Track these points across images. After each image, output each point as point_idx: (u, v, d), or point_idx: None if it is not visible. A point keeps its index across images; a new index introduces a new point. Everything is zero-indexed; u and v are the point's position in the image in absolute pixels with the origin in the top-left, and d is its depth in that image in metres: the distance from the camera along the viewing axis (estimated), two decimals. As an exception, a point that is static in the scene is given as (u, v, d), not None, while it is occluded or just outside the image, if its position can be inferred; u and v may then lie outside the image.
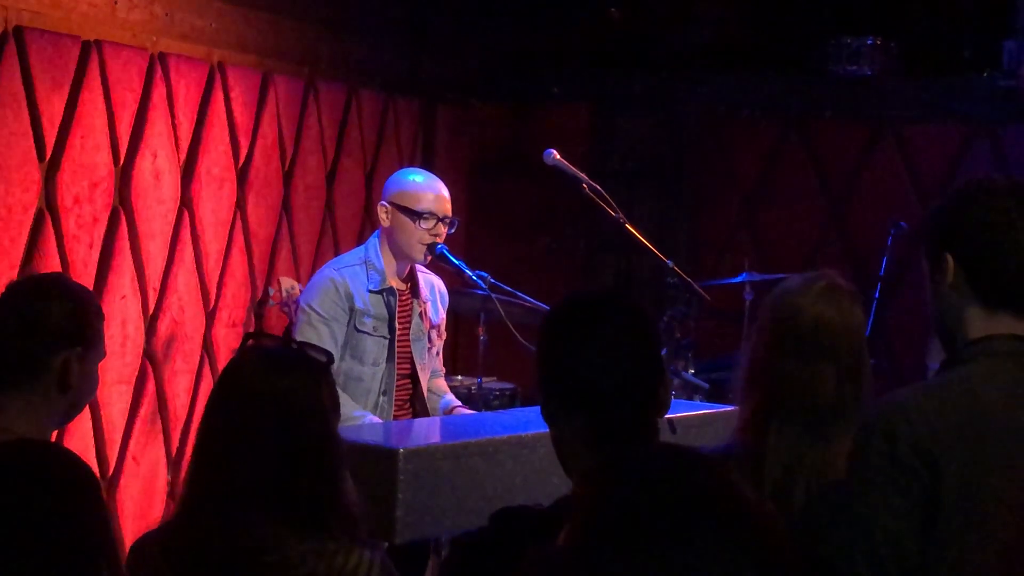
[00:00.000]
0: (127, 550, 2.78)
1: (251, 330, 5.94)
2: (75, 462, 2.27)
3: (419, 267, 5.07)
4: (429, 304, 5.09)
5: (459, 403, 5.16)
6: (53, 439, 4.72)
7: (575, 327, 2.49)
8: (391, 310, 4.94)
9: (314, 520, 2.63)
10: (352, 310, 4.87)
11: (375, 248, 4.97)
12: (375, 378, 4.90)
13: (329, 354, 2.86)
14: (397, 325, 4.95)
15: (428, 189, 4.96)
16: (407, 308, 5.01)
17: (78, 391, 3.09)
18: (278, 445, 2.63)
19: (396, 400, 4.98)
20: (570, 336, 2.48)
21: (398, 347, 4.96)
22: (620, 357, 2.44)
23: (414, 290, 5.04)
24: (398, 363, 4.97)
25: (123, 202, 5.24)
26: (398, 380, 4.98)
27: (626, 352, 2.45)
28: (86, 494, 2.18)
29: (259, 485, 2.61)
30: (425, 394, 5.08)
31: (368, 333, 4.90)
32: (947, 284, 2.60)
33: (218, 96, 5.77)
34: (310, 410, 2.68)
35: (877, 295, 6.85)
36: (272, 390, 2.66)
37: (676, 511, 1.48)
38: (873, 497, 2.49)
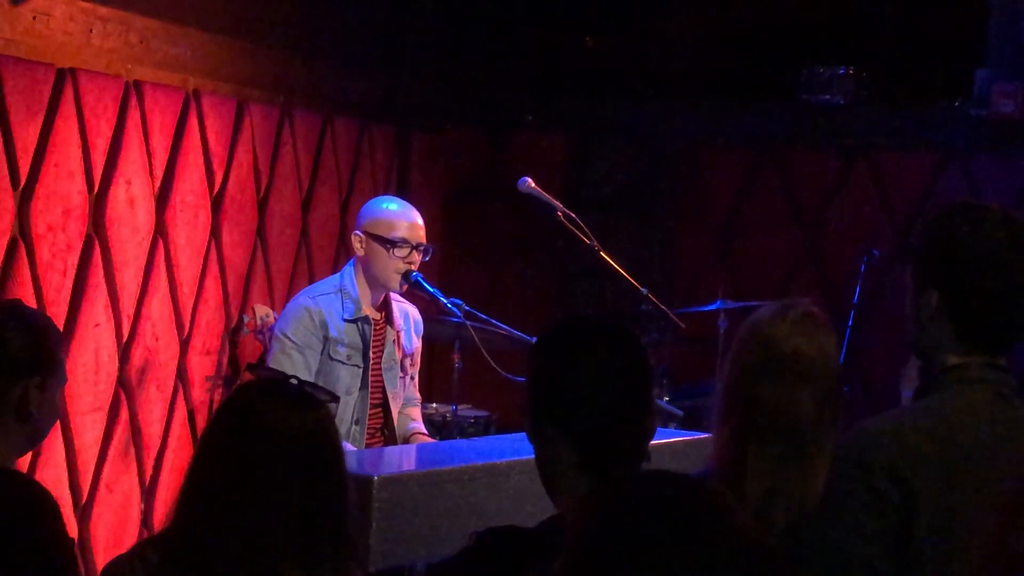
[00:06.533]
0: (99, 577, 2.76)
1: (225, 358, 5.92)
2: (30, 485, 2.25)
3: (394, 296, 5.06)
4: (403, 333, 5.09)
5: (422, 430, 5.15)
6: (25, 468, 4.70)
7: (570, 350, 2.52)
8: (365, 339, 4.94)
9: (330, 560, 2.59)
10: (326, 338, 4.87)
11: (350, 277, 4.97)
12: (348, 407, 4.89)
13: (336, 396, 2.83)
14: (371, 354, 4.95)
15: (402, 217, 4.96)
16: (381, 337, 5.01)
17: (38, 420, 3.04)
18: (304, 485, 2.56)
19: (368, 429, 4.97)
20: (564, 359, 2.51)
21: (371, 376, 4.95)
22: (613, 382, 2.48)
23: (388, 319, 5.04)
24: (371, 392, 4.97)
25: (97, 230, 5.23)
26: (370, 409, 4.98)
27: (619, 378, 2.49)
28: (44, 517, 2.16)
29: (282, 526, 2.54)
30: (396, 422, 5.08)
31: (342, 362, 4.89)
32: (929, 315, 2.61)
33: (193, 124, 5.77)
34: (332, 449, 2.63)
35: (850, 323, 6.88)
36: (299, 428, 2.59)
37: (671, 535, 1.50)
38: (848, 523, 2.50)
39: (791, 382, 2.84)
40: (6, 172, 4.78)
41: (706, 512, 1.53)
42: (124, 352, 5.41)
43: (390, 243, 4.89)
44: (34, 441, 3.17)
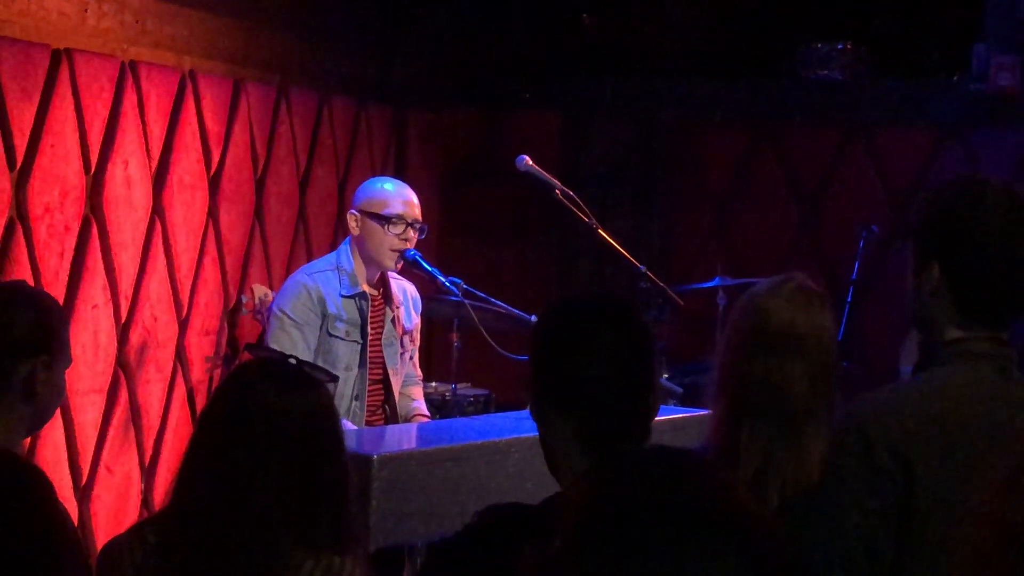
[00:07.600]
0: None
1: (224, 338, 5.92)
2: (22, 466, 2.24)
3: (391, 273, 5.06)
4: (402, 309, 5.09)
5: (422, 411, 5.15)
6: (25, 449, 4.70)
7: (573, 328, 2.52)
8: (363, 315, 4.94)
9: (331, 539, 2.60)
10: (324, 315, 4.87)
11: (347, 253, 4.97)
12: (348, 383, 4.90)
13: (335, 376, 2.83)
14: (369, 330, 4.95)
15: (396, 195, 4.96)
16: (379, 313, 5.01)
17: (44, 399, 3.05)
18: (304, 465, 2.58)
19: (368, 405, 4.98)
20: (567, 337, 2.50)
21: (370, 352, 4.96)
22: (617, 360, 2.47)
23: (386, 295, 5.04)
24: (370, 368, 4.97)
25: (94, 211, 5.23)
26: (370, 385, 4.98)
27: (623, 355, 2.48)
28: (36, 496, 2.15)
29: (282, 506, 2.56)
30: (397, 399, 5.08)
31: (340, 338, 4.89)
32: (930, 289, 2.61)
33: (189, 104, 5.75)
34: (331, 429, 2.65)
35: (849, 298, 6.88)
36: (298, 408, 2.60)
37: (671, 512, 1.49)
38: (848, 499, 2.49)
39: (785, 357, 2.84)
40: (2, 153, 4.77)
41: (706, 488, 1.53)
42: (123, 333, 5.41)
43: (385, 220, 4.89)
44: (39, 422, 3.17)
